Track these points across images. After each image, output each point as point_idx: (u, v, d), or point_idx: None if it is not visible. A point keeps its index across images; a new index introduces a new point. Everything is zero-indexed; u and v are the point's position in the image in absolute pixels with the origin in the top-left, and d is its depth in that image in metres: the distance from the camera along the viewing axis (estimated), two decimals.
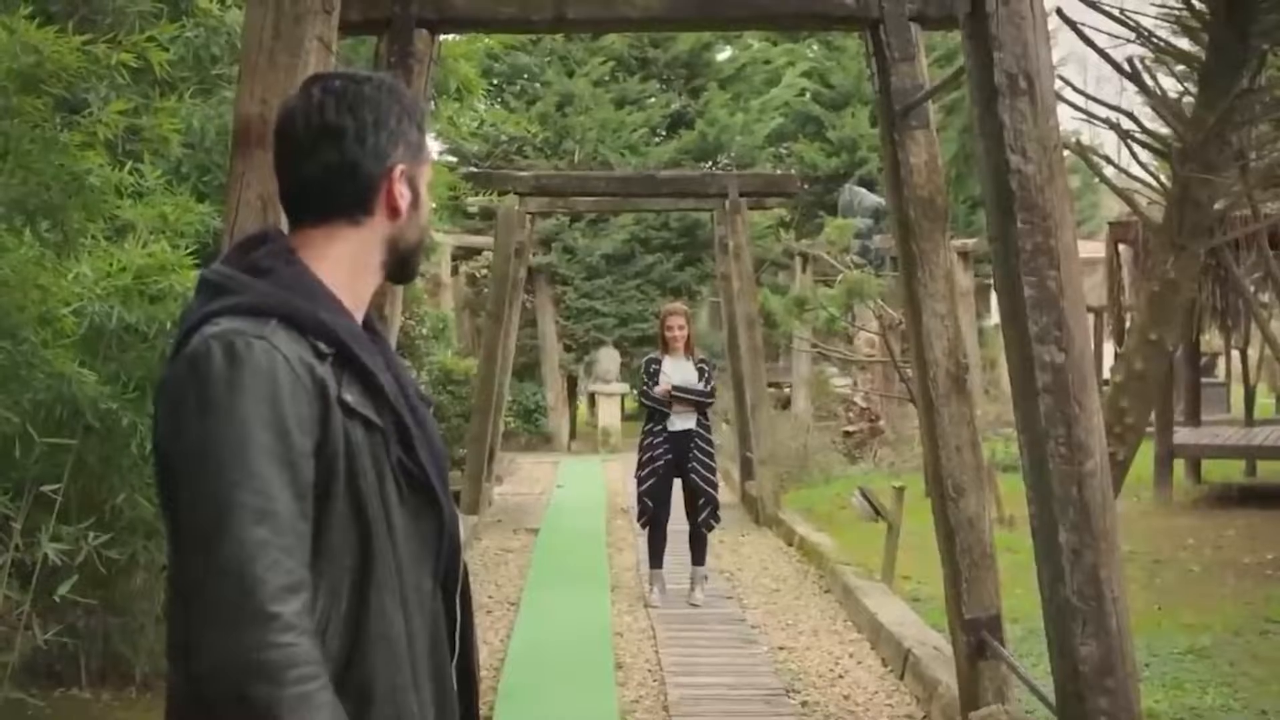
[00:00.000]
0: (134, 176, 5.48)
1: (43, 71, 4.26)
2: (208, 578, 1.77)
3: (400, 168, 2.03)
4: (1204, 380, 18.50)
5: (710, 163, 24.84)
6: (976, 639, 5.63)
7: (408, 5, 5.55)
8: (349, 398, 1.92)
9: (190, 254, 5.37)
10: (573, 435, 24.15)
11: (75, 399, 4.73)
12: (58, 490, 4.76)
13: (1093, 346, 21.74)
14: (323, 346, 1.91)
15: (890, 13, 5.69)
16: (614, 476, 17.67)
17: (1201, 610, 8.87)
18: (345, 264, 2.03)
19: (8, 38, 4.17)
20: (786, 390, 23.19)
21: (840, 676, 7.47)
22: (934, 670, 6.76)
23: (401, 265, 2.10)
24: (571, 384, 24.90)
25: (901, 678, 7.27)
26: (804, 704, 6.95)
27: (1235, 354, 18.57)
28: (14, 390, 4.68)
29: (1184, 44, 11.90)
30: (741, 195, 14.35)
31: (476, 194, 12.98)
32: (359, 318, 2.04)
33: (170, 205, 5.55)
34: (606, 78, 24.18)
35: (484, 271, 20.80)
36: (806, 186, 23.04)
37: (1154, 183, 11.48)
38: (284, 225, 3.70)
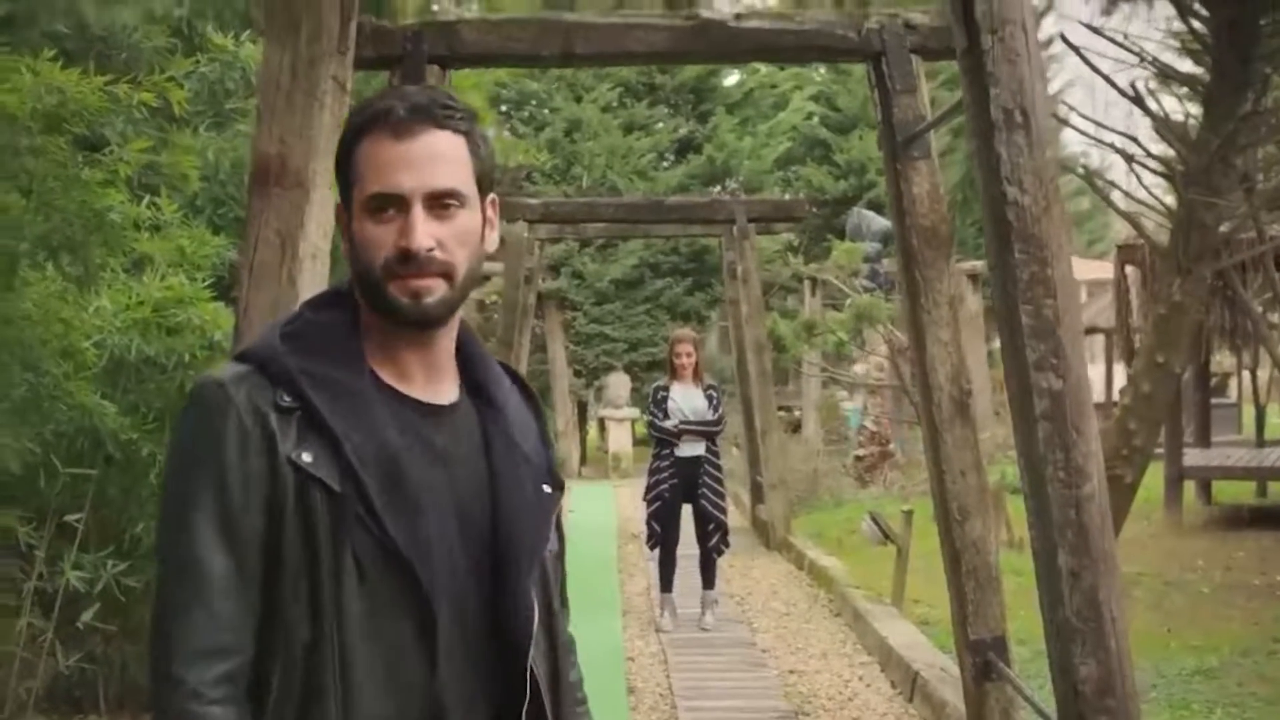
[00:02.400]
0: (151, 210, 5.60)
1: (65, 111, 4.38)
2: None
3: (338, 204, 1.93)
4: (1216, 401, 18.48)
5: (718, 187, 24.98)
6: (982, 660, 5.70)
7: (419, 42, 5.67)
8: (305, 457, 1.78)
9: (207, 287, 5.48)
10: (583, 461, 24.21)
11: (96, 430, 4.84)
12: (80, 520, 4.86)
13: (1104, 369, 21.70)
14: (286, 399, 1.80)
15: (892, 46, 5.80)
16: (625, 502, 17.74)
17: (1210, 632, 8.92)
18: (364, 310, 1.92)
19: (33, 80, 4.29)
20: (797, 414, 23.25)
21: (850, 699, 7.54)
22: (942, 692, 6.83)
23: (367, 300, 1.88)
24: (581, 409, 24.98)
25: (910, 700, 7.34)
26: None
27: (1246, 375, 18.58)
28: (35, 422, 4.79)
29: (1190, 67, 12.00)
30: (749, 221, 14.46)
31: None
32: (407, 370, 1.90)
33: (187, 238, 5.68)
34: (614, 103, 24.35)
35: (493, 298, 20.89)
36: (815, 210, 23.15)
37: (1160, 206, 11.57)
38: (310, 261, 3.81)
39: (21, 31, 7.28)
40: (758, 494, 15.10)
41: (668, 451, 9.53)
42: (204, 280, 5.54)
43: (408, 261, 1.80)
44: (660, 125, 25.06)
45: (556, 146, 22.77)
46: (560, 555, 2.03)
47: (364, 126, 1.85)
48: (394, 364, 1.89)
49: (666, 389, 9.62)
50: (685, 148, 25.06)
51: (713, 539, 9.59)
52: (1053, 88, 30.64)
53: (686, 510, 9.65)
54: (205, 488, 1.76)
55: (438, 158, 1.83)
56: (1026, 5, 4.17)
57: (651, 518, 9.67)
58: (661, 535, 9.62)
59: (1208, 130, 10.53)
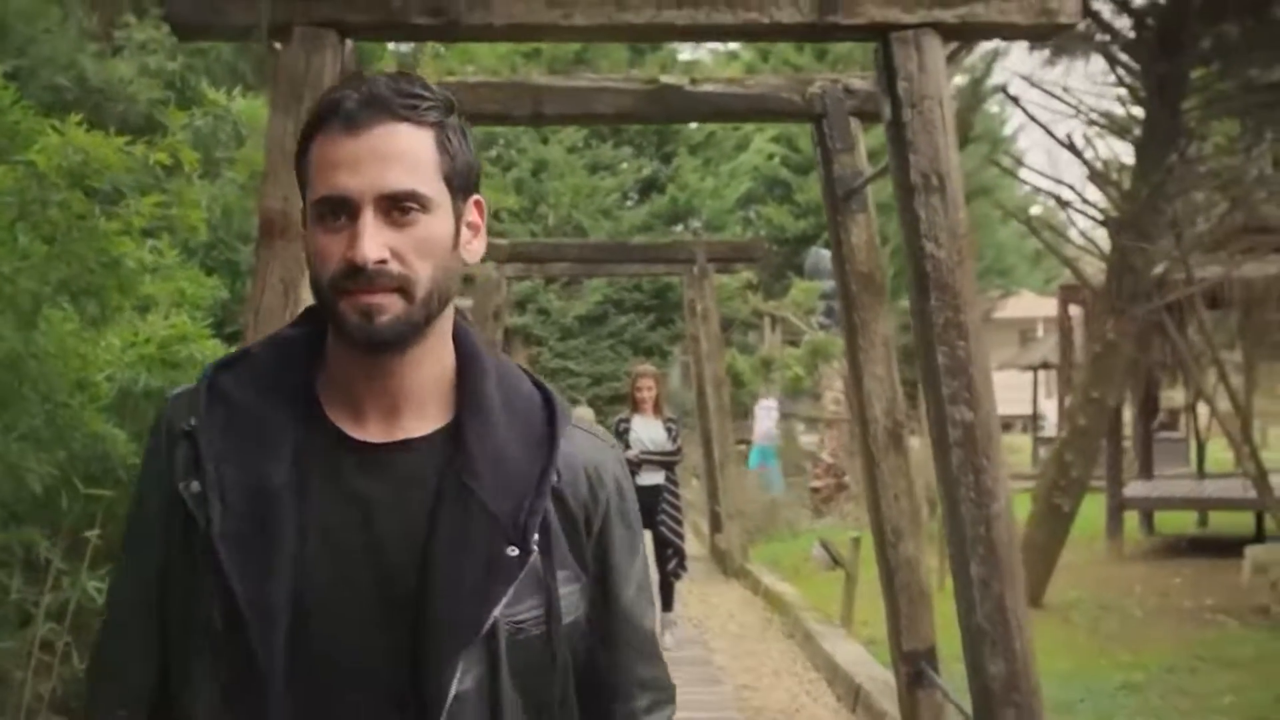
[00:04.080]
0: (155, 255, 6.11)
1: (87, 169, 4.89)
2: None
3: (301, 210, 1.66)
4: (1166, 436, 19.10)
5: (681, 225, 25.61)
6: (915, 670, 6.23)
7: None
8: (193, 487, 1.61)
9: (208, 325, 5.98)
10: None
11: (108, 455, 5.33)
12: (97, 535, 5.34)
13: (1057, 403, 22.11)
14: (191, 421, 1.64)
15: (832, 109, 6.40)
16: None
17: (1139, 651, 9.48)
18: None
19: (60, 140, 4.81)
20: None
21: (798, 710, 8.07)
22: (882, 702, 7.36)
23: (329, 319, 1.65)
24: None
25: (854, 711, 7.87)
26: None
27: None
28: (52, 447, 5.27)
29: (1126, 113, 12.69)
30: (709, 261, 14.99)
31: None
32: (358, 400, 1.66)
33: (187, 280, 6.17)
34: (580, 144, 24.98)
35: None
36: (775, 248, 23.79)
37: (1096, 250, 12.22)
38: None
39: (25, 85, 7.81)
40: (716, 524, 15.62)
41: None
42: (203, 319, 6.03)
43: (356, 275, 1.56)
44: (625, 166, 25.72)
45: (523, 186, 23.38)
46: (552, 634, 1.65)
47: (316, 122, 1.62)
48: (346, 392, 1.66)
49: (628, 421, 10.16)
50: (649, 188, 25.73)
51: (671, 563, 10.13)
52: (1007, 130, 31.45)
53: (648, 536, 10.18)
54: (132, 530, 1.70)
55: (393, 155, 1.58)
56: (943, 82, 4.74)
57: None
58: None
59: (1139, 179, 11.21)
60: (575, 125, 19.26)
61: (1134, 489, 15.63)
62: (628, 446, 9.99)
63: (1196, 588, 12.34)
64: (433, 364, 1.68)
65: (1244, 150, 12.99)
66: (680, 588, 10.56)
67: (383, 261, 1.56)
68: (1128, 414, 17.46)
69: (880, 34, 4.68)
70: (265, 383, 1.66)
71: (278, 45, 4.70)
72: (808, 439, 21.80)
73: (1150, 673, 8.78)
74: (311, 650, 1.56)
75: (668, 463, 10.10)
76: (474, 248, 1.70)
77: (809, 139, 24.14)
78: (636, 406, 10.18)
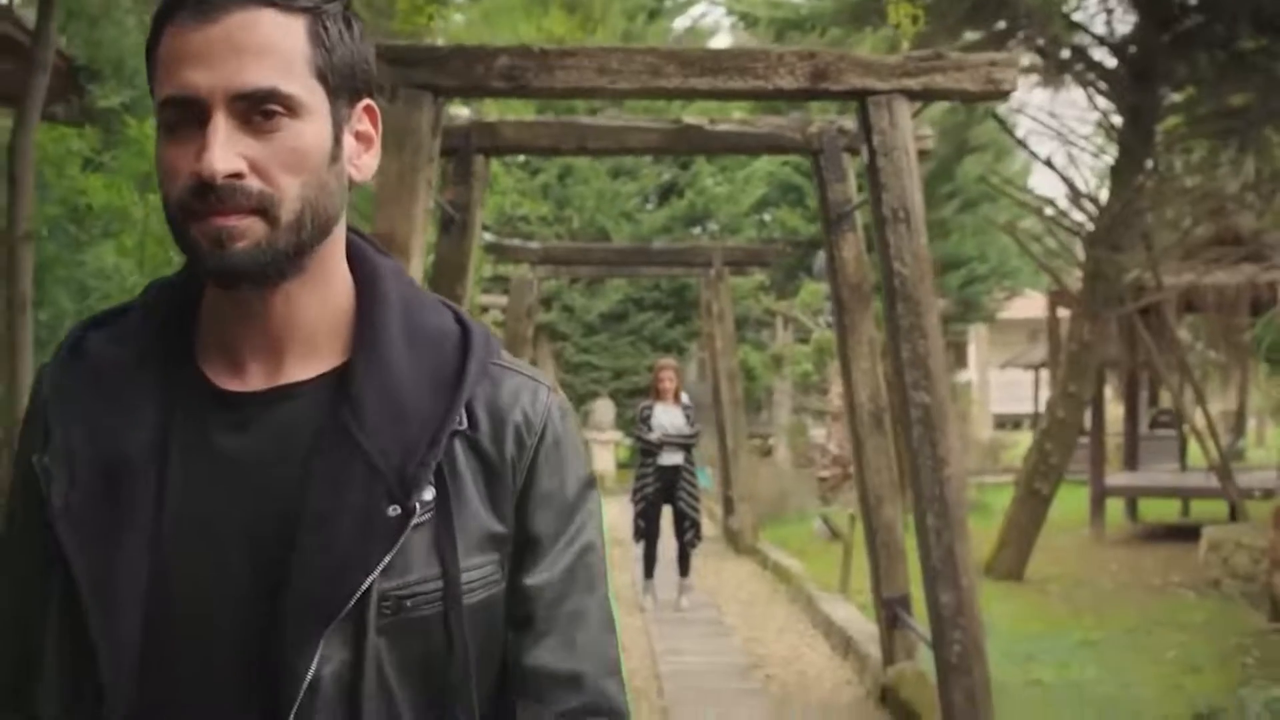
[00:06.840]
0: None
1: None
2: None
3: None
4: (1164, 434, 20.17)
5: (699, 227, 26.78)
6: (892, 613, 7.50)
7: (469, 138, 7.49)
8: (46, 459, 1.38)
9: None
10: None
11: None
12: None
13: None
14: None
15: (828, 145, 7.65)
16: (610, 515, 19.40)
17: (1103, 617, 10.68)
18: None
19: None
20: (770, 441, 24.96)
21: (797, 657, 9.33)
22: (868, 649, 8.59)
23: (182, 249, 1.34)
24: None
25: (845, 658, 9.12)
26: (767, 676, 8.81)
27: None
28: None
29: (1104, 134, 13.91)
30: (725, 264, 16.12)
31: (494, 263, 14.94)
32: (233, 343, 1.41)
33: None
34: None
35: (491, 329, 22.49)
36: (789, 249, 24.92)
37: (1074, 259, 13.46)
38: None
39: (136, 112, 9.13)
40: (729, 506, 16.85)
41: (651, 460, 11.33)
42: None
43: (205, 194, 1.28)
44: (645, 171, 26.74)
45: (550, 190, 24.56)
46: (449, 613, 1.37)
47: (165, 11, 1.34)
48: (221, 337, 1.42)
49: (651, 408, 11.43)
50: (668, 192, 26.80)
51: (688, 534, 11.40)
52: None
53: (665, 511, 11.45)
54: (9, 516, 1.45)
55: (252, 47, 1.30)
56: (910, 136, 5.99)
57: (638, 516, 11.49)
58: (645, 530, 11.42)
59: (1114, 196, 12.45)
60: (614, 155, 20.55)
61: (1117, 479, 16.80)
62: (651, 430, 11.26)
63: (1166, 566, 13.45)
64: (318, 299, 1.41)
65: (1228, 164, 14.18)
66: (696, 563, 11.83)
67: (237, 175, 1.29)
68: (1120, 411, 18.68)
69: (860, 97, 5.94)
70: (138, 338, 1.42)
71: (382, 102, 5.96)
72: (816, 431, 22.96)
73: (1109, 633, 9.97)
74: (171, 644, 1.34)
75: (686, 444, 11.36)
76: (364, 163, 1.43)
77: None
78: (659, 395, 11.45)
